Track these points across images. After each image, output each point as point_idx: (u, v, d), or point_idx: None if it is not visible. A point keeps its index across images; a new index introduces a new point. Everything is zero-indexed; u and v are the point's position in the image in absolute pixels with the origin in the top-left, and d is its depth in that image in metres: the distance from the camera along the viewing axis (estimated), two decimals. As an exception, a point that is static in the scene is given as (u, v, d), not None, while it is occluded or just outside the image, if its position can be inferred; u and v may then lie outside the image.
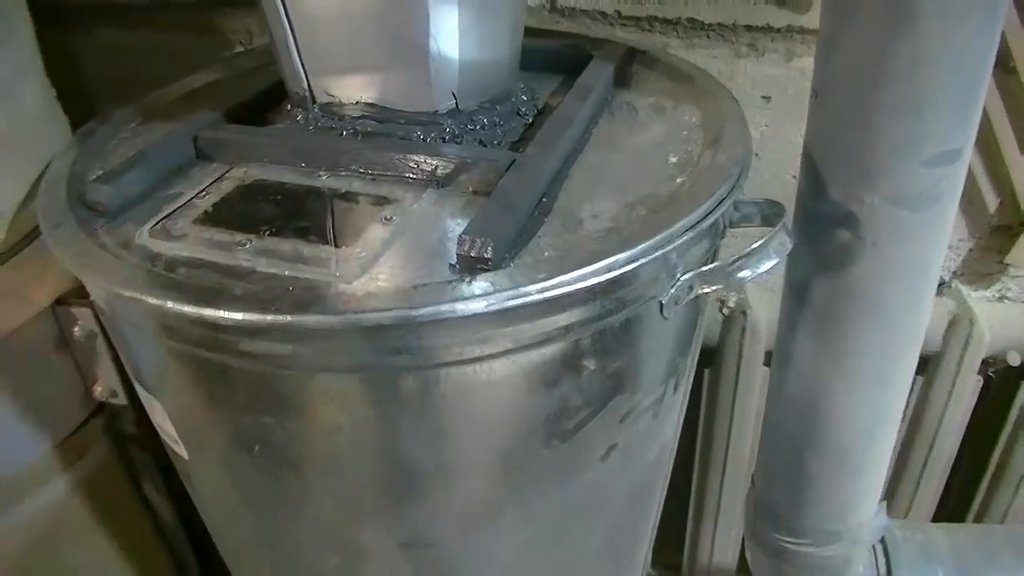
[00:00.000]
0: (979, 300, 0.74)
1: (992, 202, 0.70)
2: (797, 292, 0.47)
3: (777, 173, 0.68)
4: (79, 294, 0.49)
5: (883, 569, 0.58)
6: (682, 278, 0.36)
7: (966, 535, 0.60)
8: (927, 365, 0.74)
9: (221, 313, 0.31)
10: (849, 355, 0.46)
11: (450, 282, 0.31)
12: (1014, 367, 0.71)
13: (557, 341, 0.34)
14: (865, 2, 0.36)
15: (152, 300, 0.32)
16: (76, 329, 0.49)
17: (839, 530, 0.54)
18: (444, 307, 0.30)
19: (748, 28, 0.66)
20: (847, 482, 0.52)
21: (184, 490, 0.61)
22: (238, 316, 0.30)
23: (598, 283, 0.32)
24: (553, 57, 0.52)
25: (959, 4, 0.35)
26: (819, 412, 0.49)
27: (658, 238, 0.33)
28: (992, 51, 0.37)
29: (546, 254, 0.33)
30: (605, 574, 0.51)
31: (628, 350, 0.36)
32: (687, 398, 0.51)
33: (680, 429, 0.52)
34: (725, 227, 0.40)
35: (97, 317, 0.48)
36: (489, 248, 0.31)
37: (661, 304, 0.36)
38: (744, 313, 0.72)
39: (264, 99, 0.48)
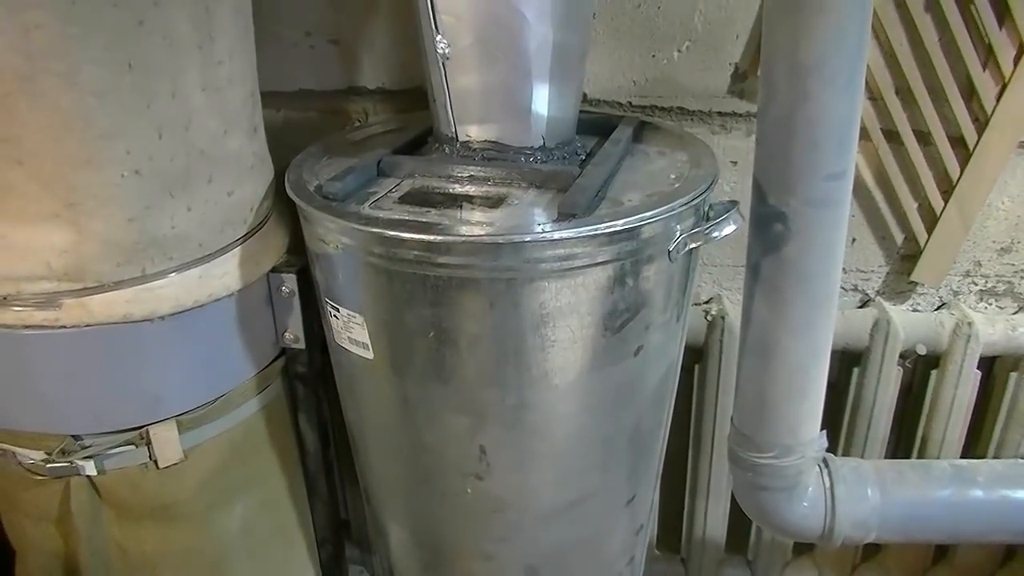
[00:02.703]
0: (897, 311, 1.00)
1: (899, 237, 0.97)
2: (752, 270, 0.72)
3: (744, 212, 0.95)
4: (287, 264, 0.74)
5: (827, 483, 0.80)
6: (679, 236, 0.62)
7: (883, 464, 0.83)
8: (859, 358, 0.99)
9: (415, 236, 0.57)
10: (787, 310, 0.70)
11: (547, 223, 0.57)
12: (923, 356, 0.97)
13: (612, 263, 0.59)
14: (779, 88, 0.63)
15: (375, 230, 0.58)
16: (284, 288, 0.73)
17: (791, 444, 0.77)
18: (533, 236, 0.56)
19: (720, 114, 0.94)
20: (794, 404, 0.75)
21: (324, 423, 0.84)
22: (423, 237, 0.56)
23: (633, 227, 0.58)
24: (592, 125, 0.80)
25: (833, 88, 0.62)
26: (770, 354, 0.73)
27: (663, 208, 0.59)
28: (856, 110, 0.64)
29: (603, 213, 0.60)
30: (632, 453, 0.74)
31: (651, 277, 0.62)
32: (684, 338, 0.76)
33: (679, 363, 0.76)
34: (706, 212, 0.66)
35: (298, 281, 0.73)
36: (576, 207, 0.58)
37: (669, 251, 0.62)
38: (723, 318, 0.97)
39: (411, 144, 0.75)
